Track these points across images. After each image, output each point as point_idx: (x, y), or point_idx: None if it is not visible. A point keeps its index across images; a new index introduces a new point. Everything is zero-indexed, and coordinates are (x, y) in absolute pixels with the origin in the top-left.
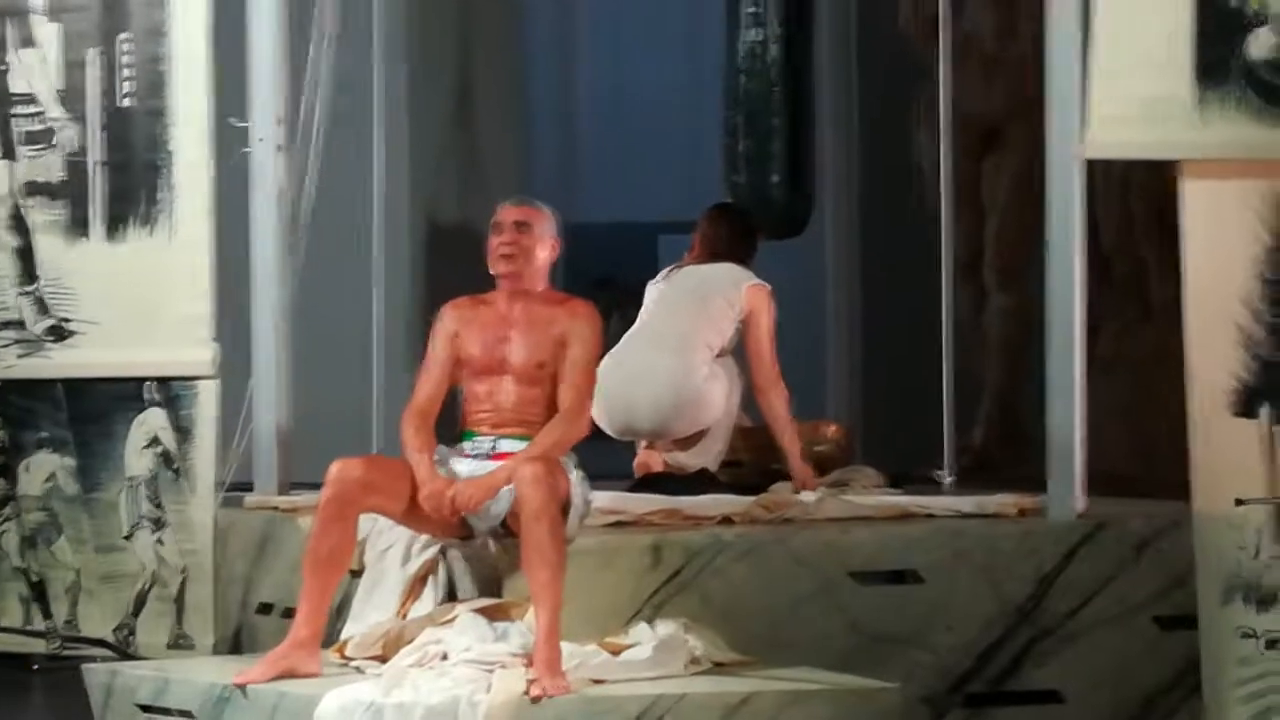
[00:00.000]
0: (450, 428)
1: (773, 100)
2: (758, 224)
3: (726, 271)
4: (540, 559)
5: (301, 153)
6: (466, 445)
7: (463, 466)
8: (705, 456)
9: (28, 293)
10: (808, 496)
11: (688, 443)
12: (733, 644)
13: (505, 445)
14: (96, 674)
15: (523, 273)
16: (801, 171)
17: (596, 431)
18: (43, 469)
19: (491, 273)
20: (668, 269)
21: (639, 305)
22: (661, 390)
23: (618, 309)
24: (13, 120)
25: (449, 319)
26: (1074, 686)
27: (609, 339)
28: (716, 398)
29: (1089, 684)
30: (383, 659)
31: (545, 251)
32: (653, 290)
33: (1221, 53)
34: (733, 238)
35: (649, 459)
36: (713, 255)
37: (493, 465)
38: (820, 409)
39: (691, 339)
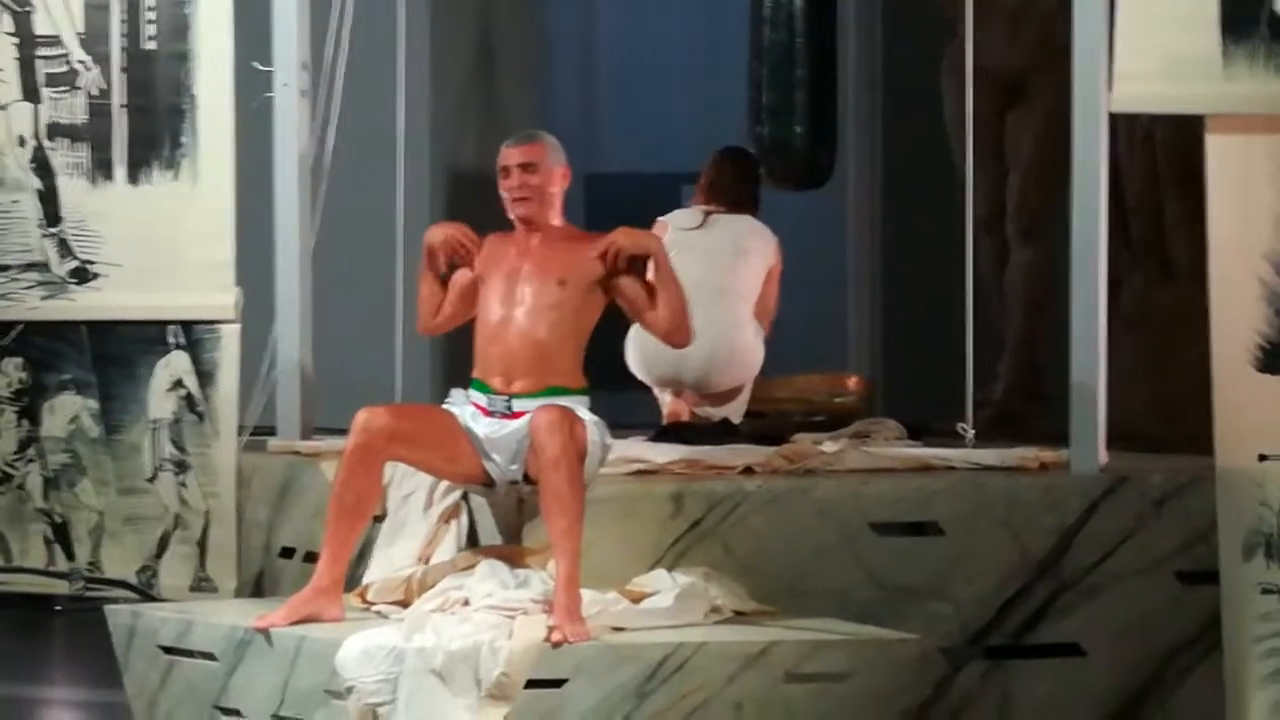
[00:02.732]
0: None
1: (796, 51)
2: (778, 176)
3: (757, 227)
4: (559, 506)
5: (324, 98)
6: (481, 399)
7: (481, 427)
8: (733, 409)
9: (51, 234)
10: (829, 447)
11: (721, 396)
12: (753, 593)
13: (520, 404)
14: (119, 615)
15: (539, 213)
16: (825, 123)
17: (620, 380)
18: (66, 410)
19: (510, 216)
20: (697, 214)
21: None
22: (715, 342)
23: None
24: (36, 62)
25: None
26: (1095, 640)
27: None
28: (760, 352)
29: (1110, 638)
30: (404, 604)
31: (555, 184)
32: (686, 238)
33: (1248, 7)
34: (745, 185)
35: (679, 409)
36: (728, 202)
37: (512, 425)
38: (842, 361)
39: (738, 293)
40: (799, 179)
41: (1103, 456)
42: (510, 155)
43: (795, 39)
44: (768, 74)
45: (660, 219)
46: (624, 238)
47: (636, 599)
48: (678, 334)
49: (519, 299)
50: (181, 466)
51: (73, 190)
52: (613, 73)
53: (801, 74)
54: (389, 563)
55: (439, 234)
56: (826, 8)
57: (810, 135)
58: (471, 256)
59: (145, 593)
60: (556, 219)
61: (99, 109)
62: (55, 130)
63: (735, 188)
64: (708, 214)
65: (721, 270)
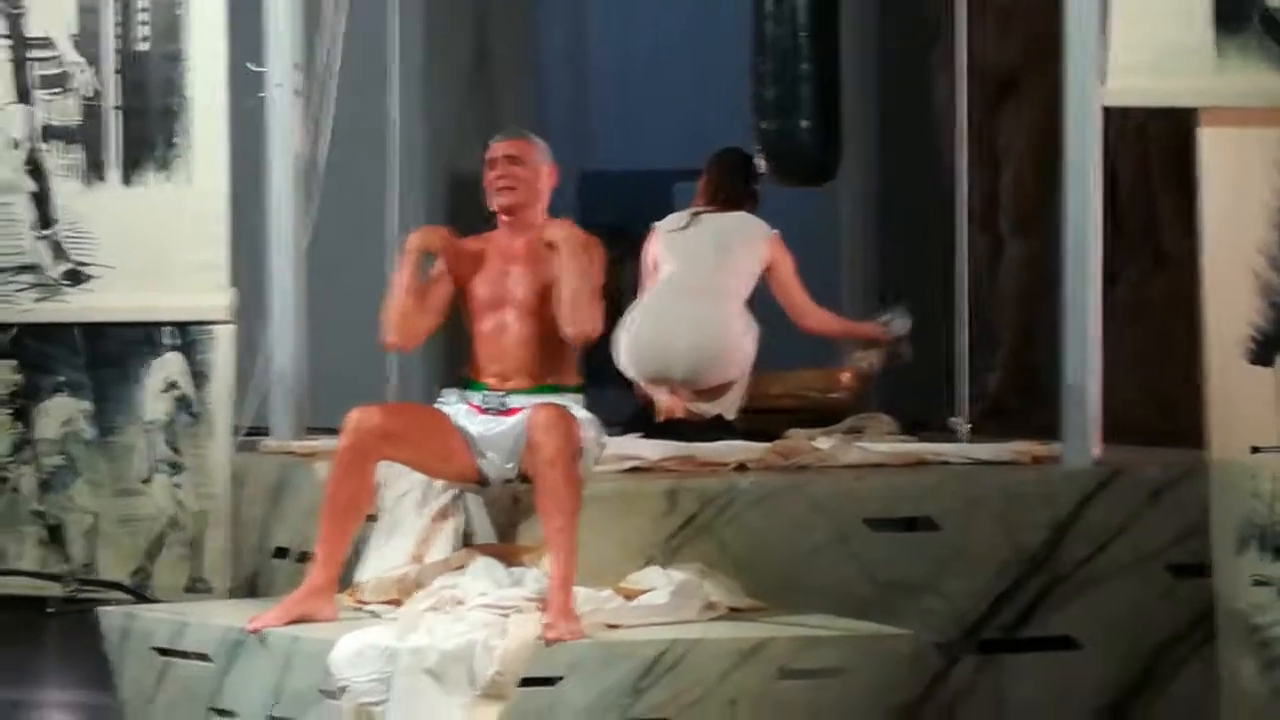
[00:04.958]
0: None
1: (800, 46)
2: (784, 173)
3: (747, 223)
4: (555, 505)
5: (318, 97)
6: (475, 397)
7: (476, 426)
8: (726, 406)
9: (45, 236)
10: (823, 442)
11: (713, 392)
12: (748, 590)
13: (515, 400)
14: (113, 617)
15: (521, 204)
16: (830, 117)
17: (612, 378)
18: (60, 412)
19: (491, 208)
20: (684, 215)
21: None
22: (701, 339)
23: (632, 257)
24: (29, 64)
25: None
26: (1088, 633)
27: (624, 287)
28: (749, 348)
29: (1103, 631)
30: (398, 603)
31: (541, 181)
32: (671, 239)
33: (1240, 0)
34: (740, 183)
35: (673, 405)
36: (721, 202)
37: (508, 422)
38: (835, 355)
39: (724, 290)
40: (806, 175)
41: (1096, 450)
42: (498, 148)
43: (799, 33)
44: (772, 69)
45: (655, 224)
46: (554, 229)
47: (631, 596)
48: (572, 325)
49: (510, 301)
50: (176, 468)
51: (66, 192)
52: (606, 70)
53: (806, 68)
54: (383, 562)
55: (435, 239)
56: (829, 1)
57: (816, 130)
58: (453, 264)
59: (139, 594)
60: (540, 218)
61: (92, 110)
62: (49, 132)
63: (729, 186)
64: (695, 214)
65: (705, 268)
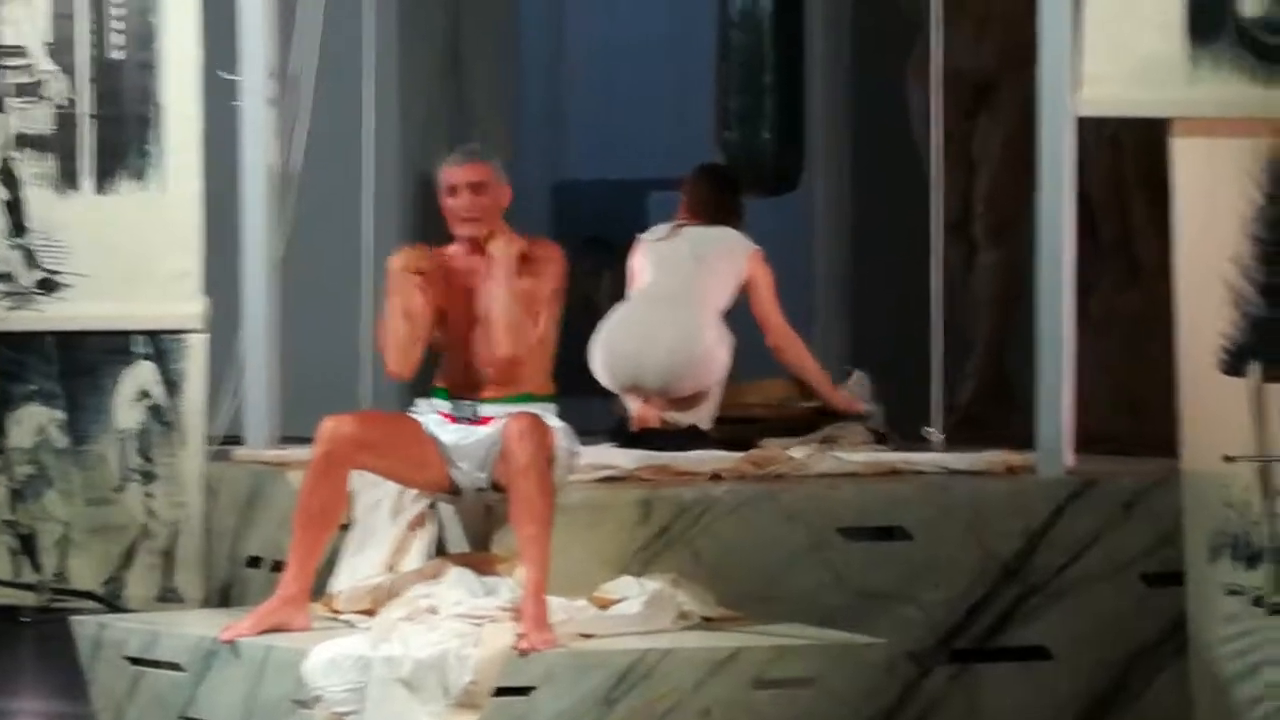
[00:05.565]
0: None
1: (764, 55)
2: (746, 182)
3: (728, 237)
4: (528, 514)
5: (291, 106)
6: (446, 405)
7: (447, 434)
8: (700, 415)
9: (17, 245)
10: (797, 452)
11: (687, 402)
12: (721, 599)
13: (487, 410)
14: (85, 626)
15: (486, 234)
16: (793, 127)
17: (587, 387)
18: (32, 421)
19: (454, 234)
20: (667, 227)
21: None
22: (673, 347)
23: (608, 267)
24: (3, 72)
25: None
26: (1062, 643)
27: (601, 296)
28: (723, 358)
29: (1077, 640)
30: (372, 613)
31: (501, 204)
32: (651, 249)
33: (1214, 10)
34: (724, 198)
35: (647, 414)
36: (705, 216)
37: (481, 432)
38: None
39: (700, 299)
40: (766, 185)
41: (1069, 459)
42: (459, 174)
43: (763, 44)
44: (735, 79)
45: (640, 235)
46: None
47: (604, 606)
48: (502, 347)
49: (482, 317)
50: (148, 477)
51: (39, 200)
52: (581, 80)
53: (770, 80)
54: (356, 572)
55: (424, 260)
56: (794, 10)
57: (778, 141)
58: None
59: (112, 604)
60: (501, 234)
61: (66, 119)
62: (22, 140)
63: (712, 201)
64: (678, 226)
65: (681, 277)
